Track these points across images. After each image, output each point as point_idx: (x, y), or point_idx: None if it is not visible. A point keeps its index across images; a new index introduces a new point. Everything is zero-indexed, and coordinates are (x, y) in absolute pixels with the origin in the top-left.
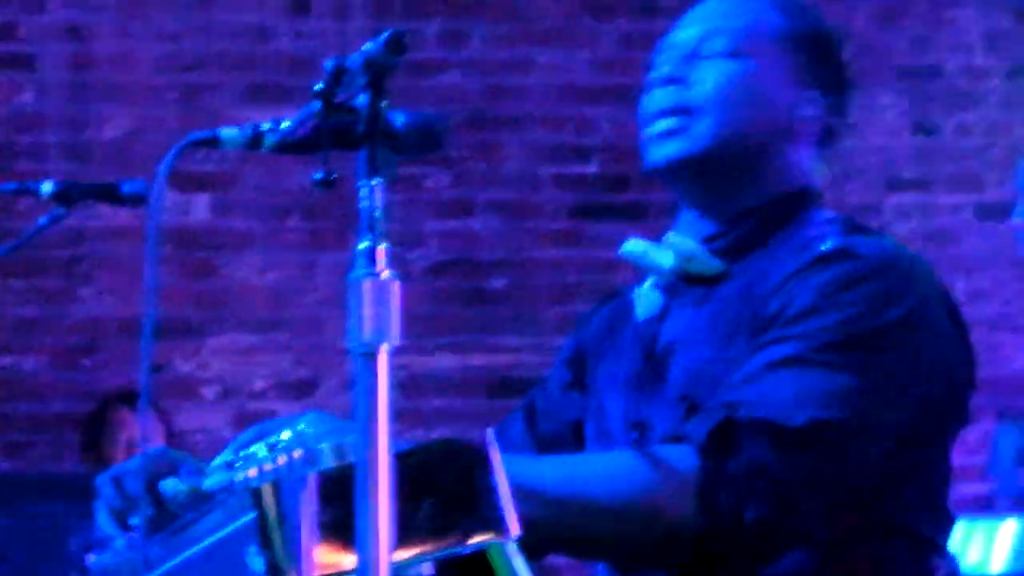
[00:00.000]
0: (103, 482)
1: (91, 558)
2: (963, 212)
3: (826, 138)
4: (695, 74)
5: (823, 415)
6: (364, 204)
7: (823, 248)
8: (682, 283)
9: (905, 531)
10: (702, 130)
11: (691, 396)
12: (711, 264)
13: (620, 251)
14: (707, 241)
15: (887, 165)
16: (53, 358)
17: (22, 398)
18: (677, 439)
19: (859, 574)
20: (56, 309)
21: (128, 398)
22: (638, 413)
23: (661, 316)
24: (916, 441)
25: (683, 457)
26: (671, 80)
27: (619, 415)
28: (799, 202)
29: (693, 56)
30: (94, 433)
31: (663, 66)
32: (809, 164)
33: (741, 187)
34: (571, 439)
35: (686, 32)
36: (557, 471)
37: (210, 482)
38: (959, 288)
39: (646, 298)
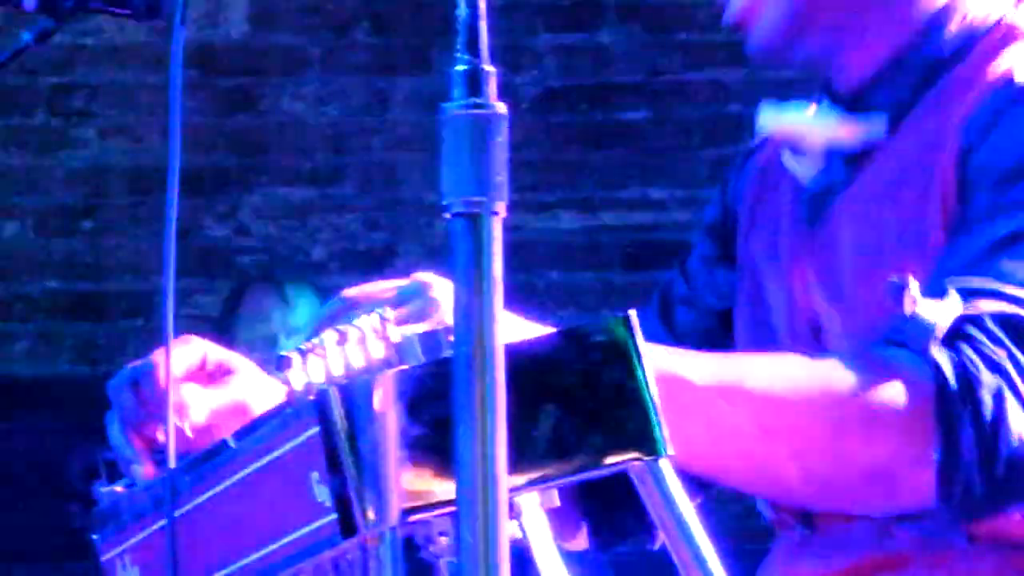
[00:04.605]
0: (118, 387)
1: (100, 488)
2: None
3: None
4: None
5: None
6: (461, 11)
7: None
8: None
9: None
10: (772, 16)
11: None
12: (867, 130)
13: (762, 127)
14: (853, 104)
15: None
16: None
17: None
18: (891, 342)
19: None
20: None
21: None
22: (809, 307)
23: (827, 187)
24: None
25: (915, 371)
26: None
27: (782, 305)
28: (955, 33)
29: None
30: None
31: None
32: None
33: (860, 38)
34: (719, 331)
35: None
36: (750, 368)
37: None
38: None
39: (807, 163)
